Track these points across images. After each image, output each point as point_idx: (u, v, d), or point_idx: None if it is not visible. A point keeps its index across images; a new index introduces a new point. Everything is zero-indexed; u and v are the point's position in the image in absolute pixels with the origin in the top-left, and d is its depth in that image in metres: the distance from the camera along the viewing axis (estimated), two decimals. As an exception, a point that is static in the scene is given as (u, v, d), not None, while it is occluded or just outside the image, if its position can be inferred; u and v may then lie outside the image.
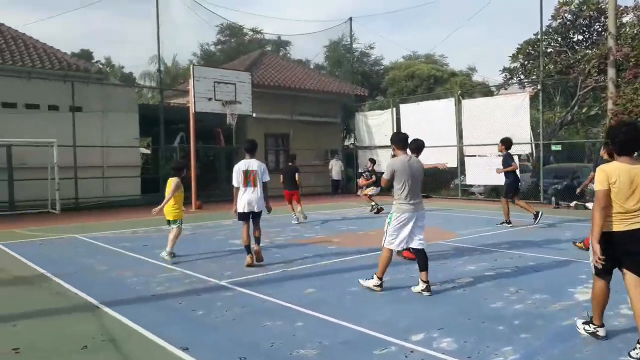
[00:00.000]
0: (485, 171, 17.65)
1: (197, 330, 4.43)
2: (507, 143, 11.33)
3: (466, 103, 18.27)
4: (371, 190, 14.13)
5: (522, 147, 17.22)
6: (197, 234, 10.48)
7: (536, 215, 10.78)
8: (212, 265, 7.18)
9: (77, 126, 15.92)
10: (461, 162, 18.63)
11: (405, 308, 4.99)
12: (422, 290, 5.47)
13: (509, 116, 16.83)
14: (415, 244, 5.63)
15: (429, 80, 35.27)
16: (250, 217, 7.29)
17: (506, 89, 18.81)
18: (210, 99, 14.19)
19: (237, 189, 7.30)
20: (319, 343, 4.03)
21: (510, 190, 11.13)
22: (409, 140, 6.07)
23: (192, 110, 14.42)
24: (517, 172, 11.70)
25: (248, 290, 5.68)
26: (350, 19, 22.74)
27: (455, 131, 18.64)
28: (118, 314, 4.86)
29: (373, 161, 15.04)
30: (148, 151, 24.99)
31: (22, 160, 15.32)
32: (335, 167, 21.46)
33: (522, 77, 18.51)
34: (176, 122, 20.11)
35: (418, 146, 7.58)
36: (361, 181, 15.06)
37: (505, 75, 18.34)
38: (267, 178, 7.48)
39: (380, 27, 62.29)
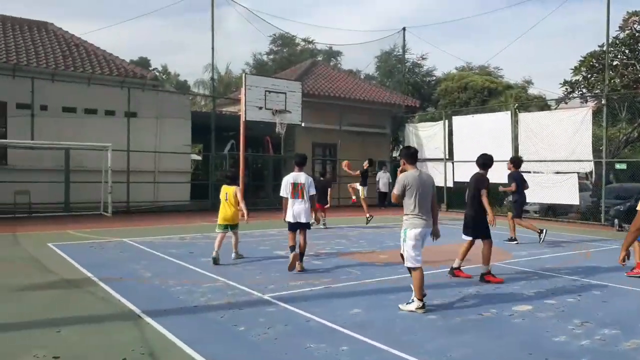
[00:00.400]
0: (541, 189, 16.85)
1: (238, 348, 4.25)
2: (516, 162, 11.61)
3: (523, 117, 17.53)
4: (364, 192, 13.96)
5: (582, 165, 16.33)
6: (242, 243, 10.37)
7: (540, 232, 10.62)
8: (256, 277, 7.03)
9: (131, 131, 16.35)
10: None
11: (460, 337, 4.63)
12: (416, 308, 5.35)
13: (569, 132, 16.01)
14: None
15: (483, 92, 34.29)
16: (297, 228, 7.60)
17: (566, 103, 17.93)
18: (260, 108, 14.22)
19: (286, 199, 7.65)
20: (366, 372, 3.76)
21: (517, 209, 11.27)
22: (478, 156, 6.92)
23: (242, 119, 14.49)
24: (526, 191, 11.70)
25: (291, 307, 5.46)
26: (404, 29, 22.43)
27: (510, 146, 17.91)
28: (159, 325, 4.75)
29: (371, 162, 14.78)
30: (199, 157, 25.45)
31: (78, 163, 15.85)
32: (383, 179, 21.10)
33: (584, 90, 17.58)
34: (227, 130, 20.37)
35: (484, 162, 7.22)
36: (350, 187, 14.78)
37: (566, 88, 17.49)
38: (313, 191, 7.78)
39: (432, 38, 61.48)
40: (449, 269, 7.32)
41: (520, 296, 6.19)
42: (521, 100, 26.88)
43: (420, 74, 40.70)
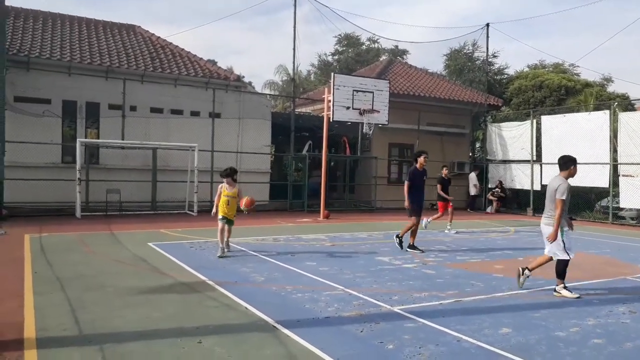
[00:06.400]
0: (642, 193, 15.57)
1: (398, 370, 3.86)
2: None
3: (624, 116, 16.24)
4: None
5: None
6: (337, 246, 10.07)
7: None
8: (373, 285, 6.65)
9: (215, 131, 16.47)
10: (613, 183, 16.62)
11: (647, 368, 4.03)
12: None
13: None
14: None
15: (560, 90, 32.54)
16: None
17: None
18: (348, 108, 13.88)
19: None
20: (563, 409, 3.26)
21: None
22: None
23: (326, 118, 14.21)
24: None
25: (431, 323, 5.02)
26: (487, 25, 21.42)
27: (608, 147, 16.67)
28: (301, 339, 4.44)
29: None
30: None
31: (164, 163, 16.14)
32: (473, 181, 20.37)
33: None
34: (300, 130, 20.21)
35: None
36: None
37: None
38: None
39: (501, 35, 59.11)
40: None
41: (685, 319, 5.45)
42: (617, 98, 25.07)
43: (492, 72, 39.25)
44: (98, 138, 15.47)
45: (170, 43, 18.61)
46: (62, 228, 11.49)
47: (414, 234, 9.64)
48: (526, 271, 6.60)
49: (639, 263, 8.99)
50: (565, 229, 6.30)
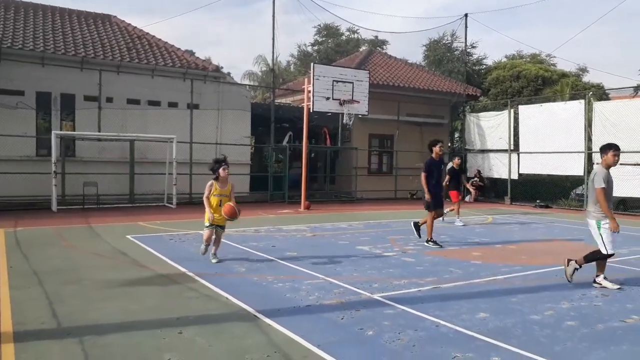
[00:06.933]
0: (616, 181, 15.90)
1: (378, 355, 3.91)
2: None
3: (599, 106, 16.57)
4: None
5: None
6: (318, 237, 10.11)
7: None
8: (353, 273, 6.71)
9: (193, 123, 16.31)
10: (588, 171, 16.96)
11: (617, 348, 4.16)
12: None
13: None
14: None
15: (537, 81, 33.01)
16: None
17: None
18: (328, 98, 13.87)
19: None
20: (538, 389, 3.36)
21: None
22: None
23: (306, 110, 14.19)
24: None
25: (410, 309, 5.10)
26: (466, 15, 21.56)
27: (583, 136, 17.00)
28: (282, 327, 4.47)
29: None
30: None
31: (142, 155, 15.95)
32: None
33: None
34: (281, 121, 20.14)
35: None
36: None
37: (646, 75, 16.36)
38: None
39: (479, 26, 59.57)
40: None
41: (655, 301, 5.63)
42: (592, 88, 25.53)
43: (471, 63, 39.57)
44: (74, 130, 15.20)
45: (147, 33, 18.32)
46: (38, 222, 11.29)
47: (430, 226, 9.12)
48: (572, 262, 6.31)
49: (615, 249, 9.20)
50: (605, 222, 5.98)
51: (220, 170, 7.06)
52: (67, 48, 15.38)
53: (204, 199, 7.07)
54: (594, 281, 6.20)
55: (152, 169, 15.81)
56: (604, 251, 6.02)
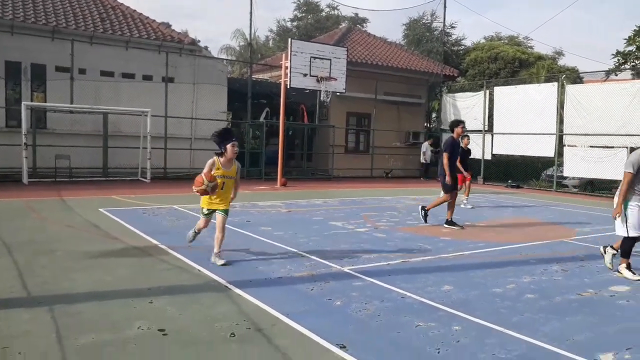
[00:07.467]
0: (585, 163, 16.38)
1: (344, 323, 4.05)
2: None
3: (571, 89, 16.89)
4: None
5: (634, 139, 15.76)
6: (293, 213, 10.20)
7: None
8: (326, 248, 6.84)
9: (168, 97, 16.09)
10: (558, 153, 17.38)
11: (572, 319, 4.38)
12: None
13: (621, 105, 15.40)
14: None
15: (514, 63, 33.39)
16: None
17: (616, 75, 17.20)
18: (305, 75, 13.81)
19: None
20: (493, 355, 3.53)
21: None
22: None
23: (284, 86, 14.12)
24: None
25: (379, 282, 5.25)
26: (445, -6, 21.56)
27: (555, 118, 17.35)
28: (253, 298, 4.57)
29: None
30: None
31: (116, 128, 15.71)
32: (428, 151, 20.95)
33: (636, 62, 16.83)
34: (258, 97, 19.99)
35: None
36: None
37: (618, 59, 16.72)
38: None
39: (459, 7, 59.59)
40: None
41: (610, 276, 5.90)
42: (566, 71, 25.91)
43: (449, 44, 39.70)
44: (45, 101, 14.84)
45: (121, 4, 17.84)
46: (8, 194, 11.11)
47: (451, 207, 8.93)
48: (608, 249, 6.17)
49: (576, 227, 9.55)
50: (633, 204, 5.63)
51: (229, 147, 5.66)
52: (38, 17, 14.92)
53: (204, 172, 5.61)
54: (617, 270, 5.94)
55: (126, 143, 15.60)
56: (623, 233, 5.70)
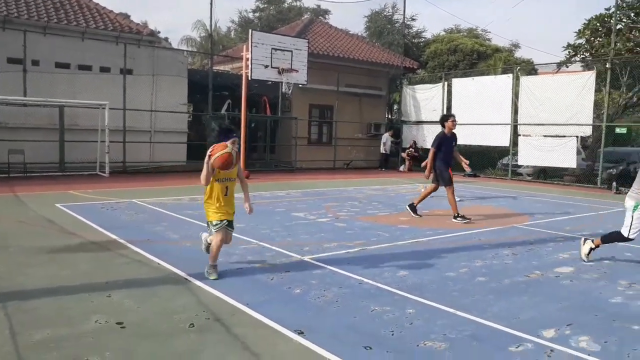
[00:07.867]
0: (538, 152, 17.00)
1: (303, 310, 4.16)
2: None
3: (525, 80, 17.45)
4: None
5: (583, 129, 16.46)
6: (255, 204, 10.19)
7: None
8: (287, 238, 6.93)
9: (127, 89, 15.77)
10: (513, 143, 17.95)
11: (518, 299, 4.62)
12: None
13: (571, 95, 16.04)
14: None
15: (472, 55, 34.13)
16: None
17: (567, 67, 17.86)
18: (266, 66, 13.78)
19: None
20: (444, 335, 3.71)
21: None
22: None
23: (245, 77, 14.06)
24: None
25: (337, 269, 5.38)
26: (404, -13, 21.81)
27: (510, 109, 17.90)
28: (212, 289, 4.62)
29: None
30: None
31: (72, 122, 15.30)
32: (388, 142, 21.25)
33: (585, 55, 17.51)
34: (220, 89, 19.81)
35: None
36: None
37: (569, 52, 17.36)
38: None
39: (420, -1, 60.20)
40: None
41: (557, 258, 6.22)
42: (522, 63, 26.68)
43: (410, 36, 40.22)
44: (-4, 94, 14.29)
45: (76, -7, 17.31)
46: (-42, 191, 10.72)
47: (424, 197, 9.25)
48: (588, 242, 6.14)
49: (528, 213, 9.96)
50: None
51: (229, 144, 4.84)
52: (-14, 6, 14.34)
53: (204, 172, 4.89)
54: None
55: (83, 137, 15.22)
56: (625, 233, 5.66)
